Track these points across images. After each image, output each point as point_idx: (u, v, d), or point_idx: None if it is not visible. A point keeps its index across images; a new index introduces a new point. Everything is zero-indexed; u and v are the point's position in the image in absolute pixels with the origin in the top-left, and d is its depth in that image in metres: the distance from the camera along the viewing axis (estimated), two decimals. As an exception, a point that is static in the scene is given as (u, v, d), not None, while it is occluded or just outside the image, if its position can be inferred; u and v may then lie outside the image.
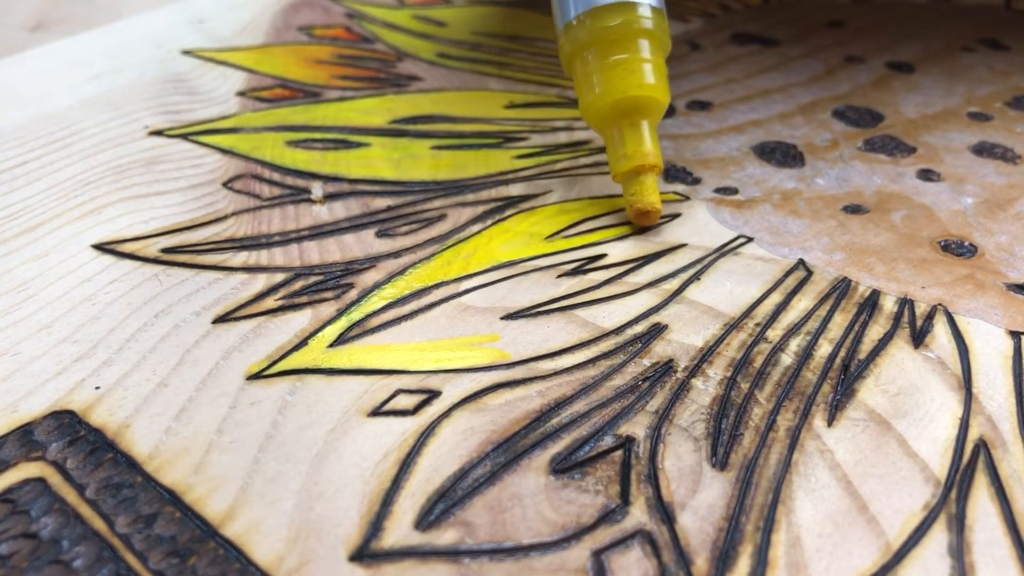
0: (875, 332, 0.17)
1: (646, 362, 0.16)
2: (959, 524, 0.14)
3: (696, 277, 0.18)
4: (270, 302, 0.18)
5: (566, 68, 0.21)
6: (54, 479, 0.14)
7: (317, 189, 0.21)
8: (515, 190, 0.21)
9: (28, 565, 0.13)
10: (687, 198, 0.21)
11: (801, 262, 0.19)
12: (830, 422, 0.15)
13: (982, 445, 0.15)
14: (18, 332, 0.17)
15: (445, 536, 0.13)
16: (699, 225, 0.20)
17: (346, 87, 0.25)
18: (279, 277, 0.18)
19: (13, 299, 0.18)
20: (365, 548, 0.13)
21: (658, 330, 0.17)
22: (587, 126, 0.24)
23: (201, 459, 0.14)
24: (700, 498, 0.14)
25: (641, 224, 0.20)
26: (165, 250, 0.19)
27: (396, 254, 0.19)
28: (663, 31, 0.20)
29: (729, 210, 0.21)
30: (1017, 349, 0.17)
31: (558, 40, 0.21)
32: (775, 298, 0.18)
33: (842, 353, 0.17)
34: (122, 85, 0.25)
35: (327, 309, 0.17)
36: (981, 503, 0.14)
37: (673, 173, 0.22)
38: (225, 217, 0.20)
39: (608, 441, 0.15)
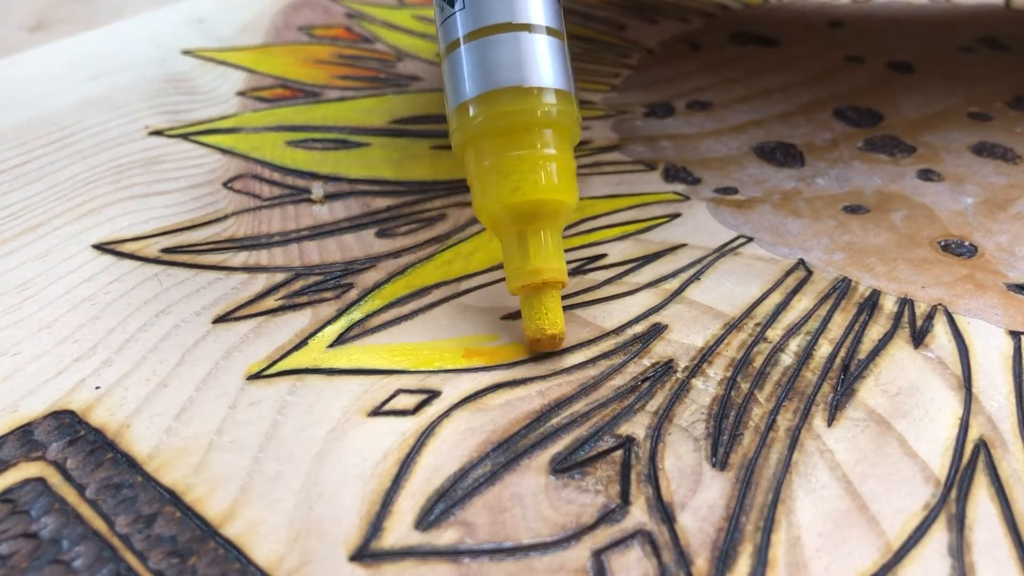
0: (875, 332, 0.17)
1: (646, 362, 0.16)
2: (959, 524, 0.14)
3: (696, 277, 0.18)
4: (270, 302, 0.18)
5: (457, 156, 0.17)
6: (54, 479, 0.14)
7: (317, 189, 0.21)
8: (515, 190, 0.21)
9: (28, 565, 0.13)
10: (687, 198, 0.21)
11: (801, 262, 0.19)
12: (830, 422, 0.15)
13: (982, 445, 0.15)
14: (18, 332, 0.17)
15: (445, 536, 0.13)
16: (699, 225, 0.20)
17: (346, 87, 0.25)
18: (279, 277, 0.18)
19: (13, 299, 0.18)
20: (365, 548, 0.13)
21: (658, 330, 0.17)
22: (586, 127, 0.24)
23: (201, 459, 0.14)
24: (700, 498, 0.14)
25: (537, 351, 0.16)
26: (165, 250, 0.19)
27: (396, 254, 0.19)
28: (572, 119, 0.17)
29: (729, 210, 0.21)
30: (1017, 349, 0.17)
31: (448, 123, 0.17)
32: (775, 298, 0.18)
33: (842, 353, 0.17)
34: (122, 85, 0.25)
35: (327, 309, 0.17)
36: (981, 503, 0.14)
37: (673, 173, 0.22)
38: (225, 217, 0.20)
39: (608, 441, 0.15)
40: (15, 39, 0.28)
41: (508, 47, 0.17)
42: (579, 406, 0.15)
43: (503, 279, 0.18)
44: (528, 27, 0.17)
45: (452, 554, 0.13)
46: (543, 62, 0.17)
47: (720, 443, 0.15)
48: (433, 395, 0.16)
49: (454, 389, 0.16)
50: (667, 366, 0.16)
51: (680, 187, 0.21)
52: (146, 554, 0.13)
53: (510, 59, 0.17)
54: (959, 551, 0.13)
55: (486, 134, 0.17)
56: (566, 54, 0.17)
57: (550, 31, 0.17)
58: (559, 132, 0.17)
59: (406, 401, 0.15)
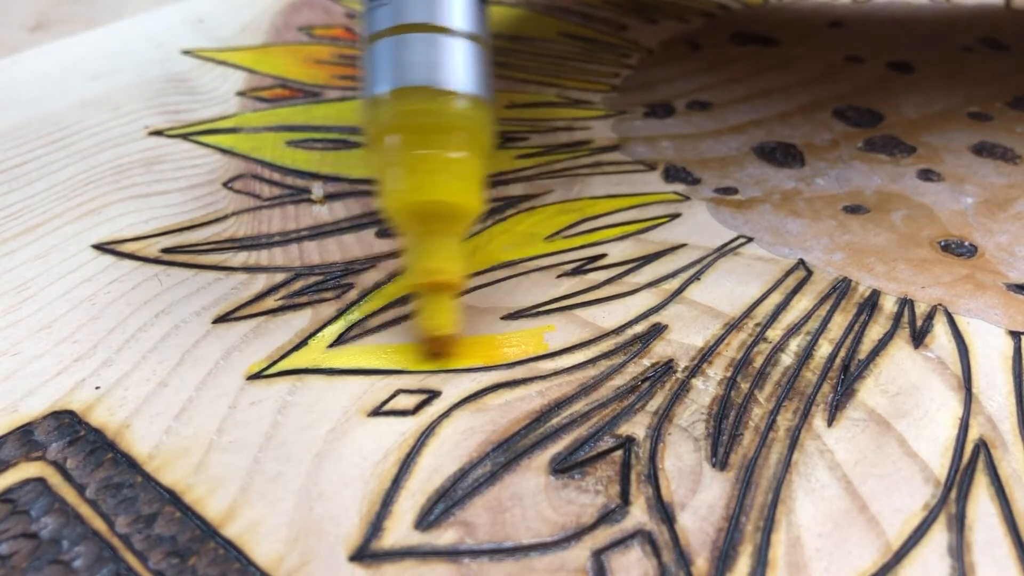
0: (875, 332, 0.17)
1: (646, 362, 0.16)
2: (959, 524, 0.14)
3: (696, 277, 0.18)
4: (270, 302, 0.18)
5: (367, 147, 0.17)
6: (54, 479, 0.14)
7: (317, 189, 0.21)
8: (515, 190, 0.21)
9: (28, 565, 0.13)
10: (687, 198, 0.21)
11: (801, 262, 0.19)
12: (830, 422, 0.15)
13: (982, 445, 0.15)
14: (18, 332, 0.17)
15: (445, 536, 0.13)
16: (699, 225, 0.20)
17: (346, 87, 0.25)
18: (279, 277, 0.18)
19: (13, 299, 0.18)
20: (365, 548, 0.13)
21: (658, 330, 0.17)
22: (586, 127, 0.24)
23: (201, 459, 0.14)
24: (700, 498, 0.14)
25: (433, 350, 0.16)
26: (165, 250, 0.19)
27: (396, 254, 0.19)
28: (483, 125, 0.17)
29: (729, 210, 0.21)
30: (1017, 349, 0.17)
31: (362, 113, 0.17)
32: (775, 298, 0.18)
33: (842, 353, 0.17)
34: (122, 85, 0.25)
35: (327, 309, 0.17)
36: (981, 503, 0.14)
37: (673, 173, 0.22)
38: (225, 217, 0.20)
39: (608, 441, 0.15)
40: (15, 39, 0.28)
41: (425, 47, 0.17)
42: (579, 406, 0.15)
43: (504, 279, 0.18)
44: (447, 30, 0.17)
45: (452, 554, 0.13)
46: (459, 65, 0.17)
47: (720, 443, 0.15)
48: (433, 395, 0.16)
49: (454, 389, 0.16)
50: (667, 366, 0.16)
51: (680, 187, 0.21)
52: (146, 554, 0.13)
53: (425, 58, 0.17)
54: (959, 551, 0.13)
55: (394, 129, 0.16)
56: (486, 61, 0.17)
57: (471, 36, 0.17)
58: (469, 136, 0.17)
59: (406, 401, 0.15)
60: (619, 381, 0.16)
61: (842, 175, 0.22)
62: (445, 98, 0.16)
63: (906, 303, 0.18)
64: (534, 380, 0.16)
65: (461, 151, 0.16)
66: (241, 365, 0.16)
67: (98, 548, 0.13)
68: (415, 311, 0.17)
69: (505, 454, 0.15)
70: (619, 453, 0.15)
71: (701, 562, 0.13)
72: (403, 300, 0.18)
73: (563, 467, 0.14)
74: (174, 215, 0.20)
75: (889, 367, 0.16)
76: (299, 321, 0.17)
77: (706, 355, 0.16)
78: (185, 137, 0.23)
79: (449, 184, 0.16)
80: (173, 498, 0.14)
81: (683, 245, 0.19)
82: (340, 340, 0.17)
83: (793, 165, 0.22)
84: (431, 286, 0.16)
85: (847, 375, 0.16)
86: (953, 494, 0.14)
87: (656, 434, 0.15)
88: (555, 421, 0.15)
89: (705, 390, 0.16)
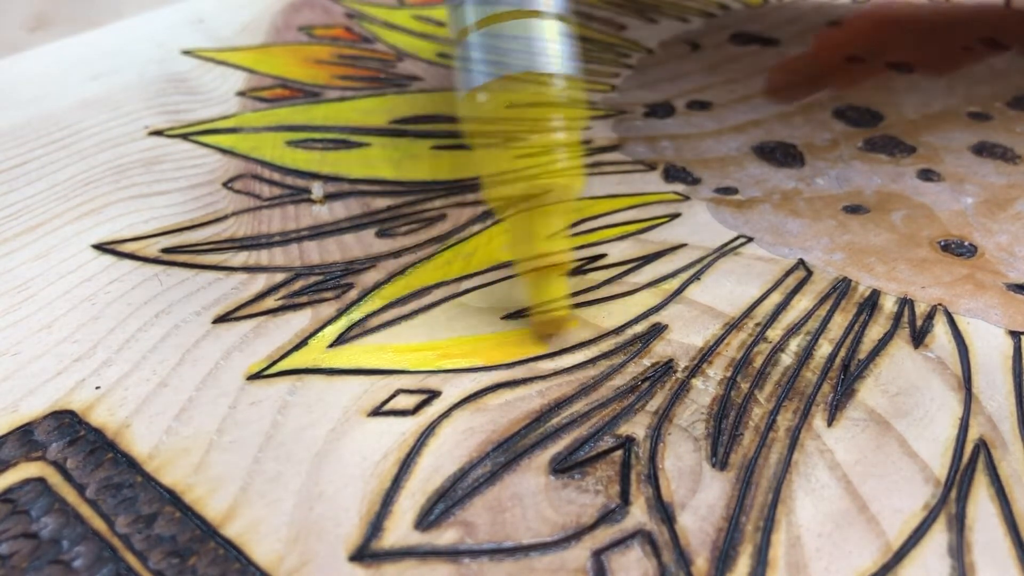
0: (875, 332, 0.17)
1: (646, 362, 0.16)
2: (959, 524, 0.14)
3: (696, 277, 0.18)
4: (270, 302, 0.18)
5: (469, 139, 0.18)
6: (54, 479, 0.14)
7: (317, 189, 0.21)
8: (515, 190, 0.21)
9: (28, 565, 0.13)
10: (687, 198, 0.21)
11: (801, 262, 0.19)
12: (830, 422, 0.15)
13: (982, 445, 0.15)
14: (18, 332, 0.17)
15: (445, 536, 0.13)
16: (699, 225, 0.20)
17: (346, 87, 0.25)
18: (279, 277, 0.18)
19: (13, 299, 0.18)
20: (365, 548, 0.13)
21: (658, 330, 0.17)
22: (585, 127, 0.24)
23: (201, 459, 0.14)
24: (700, 498, 0.14)
25: (543, 332, 0.17)
26: (165, 250, 0.19)
27: (396, 254, 0.19)
28: (580, 103, 0.17)
29: (729, 210, 0.21)
30: (1017, 349, 0.17)
31: (460, 108, 0.18)
32: (775, 298, 0.18)
33: (842, 353, 0.17)
34: (122, 85, 0.25)
35: (327, 309, 0.17)
36: (981, 503, 0.14)
37: (673, 173, 0.22)
38: (225, 217, 0.20)
39: (608, 441, 0.15)
40: (15, 39, 0.28)
41: (519, 33, 0.17)
42: (579, 406, 0.15)
43: (503, 279, 0.18)
44: (538, 14, 0.17)
45: (452, 554, 0.13)
46: (553, 47, 0.17)
47: (720, 443, 0.15)
48: (433, 395, 0.16)
49: (454, 389, 0.16)
50: (667, 366, 0.16)
51: (680, 187, 0.21)
52: (146, 554, 0.13)
53: (521, 45, 0.17)
54: (959, 551, 0.13)
55: (496, 119, 0.17)
56: (572, 39, 0.18)
57: (558, 16, 0.17)
58: (569, 116, 0.17)
59: (406, 401, 0.15)
60: (619, 381, 0.16)
61: (842, 175, 0.22)
62: (545, 81, 0.17)
63: (906, 303, 0.18)
64: (534, 380, 0.16)
65: (563, 132, 0.17)
66: (241, 365, 0.16)
67: (98, 548, 0.13)
68: (526, 295, 0.17)
69: (505, 454, 0.15)
70: (619, 453, 0.15)
71: (701, 562, 0.13)
72: (403, 300, 0.18)
73: (563, 467, 0.14)
74: (174, 215, 0.20)
75: (889, 367, 0.16)
76: (299, 321, 0.17)
77: (706, 355, 0.17)
78: (185, 137, 0.23)
79: (556, 166, 0.17)
80: (173, 498, 0.14)
81: (683, 245, 0.19)
82: (340, 340, 0.17)
83: (793, 165, 0.22)
84: (543, 269, 0.17)
85: (847, 375, 0.16)
86: (953, 494, 0.14)
87: (656, 434, 0.15)
88: (555, 421, 0.15)
89: (705, 390, 0.16)
